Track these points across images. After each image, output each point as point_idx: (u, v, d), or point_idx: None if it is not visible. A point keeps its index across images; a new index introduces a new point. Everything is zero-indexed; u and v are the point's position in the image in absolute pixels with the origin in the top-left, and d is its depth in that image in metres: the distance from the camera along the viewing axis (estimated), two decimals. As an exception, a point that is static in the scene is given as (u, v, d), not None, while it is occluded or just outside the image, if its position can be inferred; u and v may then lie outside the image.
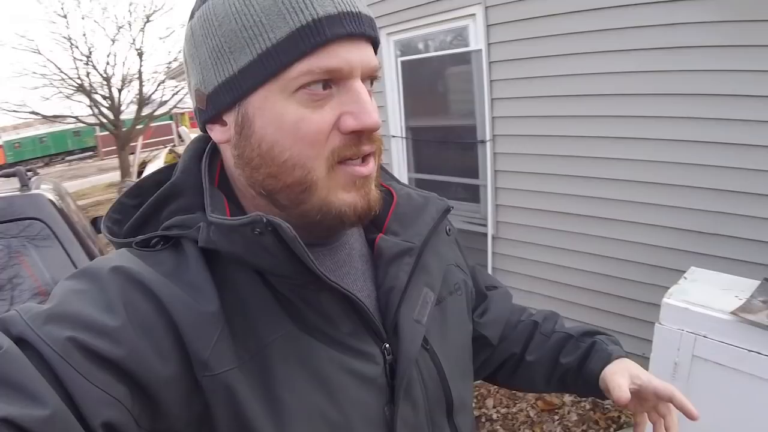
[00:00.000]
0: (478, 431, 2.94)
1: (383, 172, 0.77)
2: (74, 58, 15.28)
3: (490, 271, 3.80)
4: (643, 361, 1.66)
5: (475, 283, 0.91)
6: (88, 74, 15.34)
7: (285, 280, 0.57)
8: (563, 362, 0.88)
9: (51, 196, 2.09)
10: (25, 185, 2.08)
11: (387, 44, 4.18)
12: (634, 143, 2.85)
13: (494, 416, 2.99)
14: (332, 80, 0.55)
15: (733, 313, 1.68)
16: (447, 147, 4.03)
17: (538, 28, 3.11)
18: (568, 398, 2.99)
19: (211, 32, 0.56)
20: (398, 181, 0.80)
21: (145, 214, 0.62)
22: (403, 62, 4.02)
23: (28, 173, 2.26)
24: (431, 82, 3.99)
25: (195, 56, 0.58)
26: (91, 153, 26.88)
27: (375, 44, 0.60)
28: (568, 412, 2.89)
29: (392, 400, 0.63)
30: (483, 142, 3.61)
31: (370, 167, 0.59)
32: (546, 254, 3.45)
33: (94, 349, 0.46)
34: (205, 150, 0.65)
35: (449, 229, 0.79)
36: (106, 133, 16.92)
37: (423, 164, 4.24)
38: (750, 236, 2.53)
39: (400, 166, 4.39)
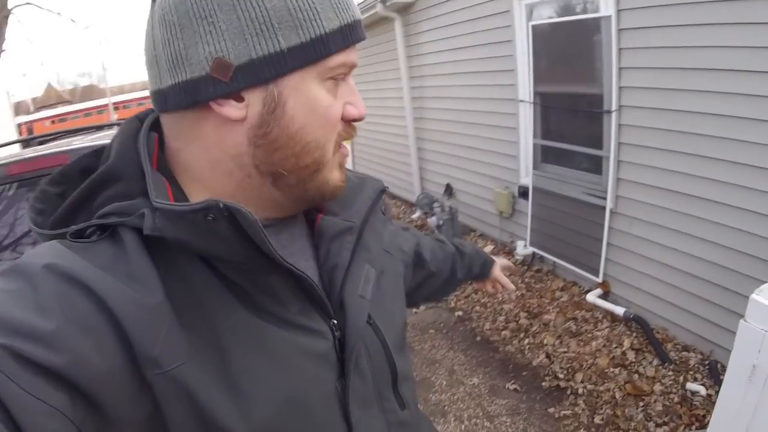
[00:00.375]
0: (417, 397, 2.98)
1: None
2: None
3: (604, 245, 3.68)
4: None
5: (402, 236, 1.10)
6: None
7: (234, 265, 0.56)
8: (459, 275, 1.22)
9: None
10: None
11: (519, 8, 4.08)
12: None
13: (580, 391, 2.99)
14: (345, 74, 0.61)
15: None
16: (573, 115, 3.90)
17: (673, -6, 2.85)
18: (658, 387, 2.88)
19: (255, 3, 0.53)
20: None
21: (75, 202, 0.58)
22: (534, 27, 3.91)
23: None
24: (560, 47, 3.84)
25: (216, 17, 0.52)
26: None
27: None
28: (655, 401, 2.79)
29: (343, 374, 0.65)
30: (609, 112, 3.44)
31: (348, 150, 0.66)
32: (663, 235, 3.25)
33: (30, 356, 0.43)
34: (139, 131, 0.62)
35: (384, 209, 0.82)
36: None
37: (548, 131, 4.14)
38: None
39: (527, 132, 4.35)
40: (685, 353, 3.09)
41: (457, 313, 4.20)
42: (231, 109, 0.55)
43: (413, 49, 5.90)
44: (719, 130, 2.79)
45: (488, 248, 5.09)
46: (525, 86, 4.22)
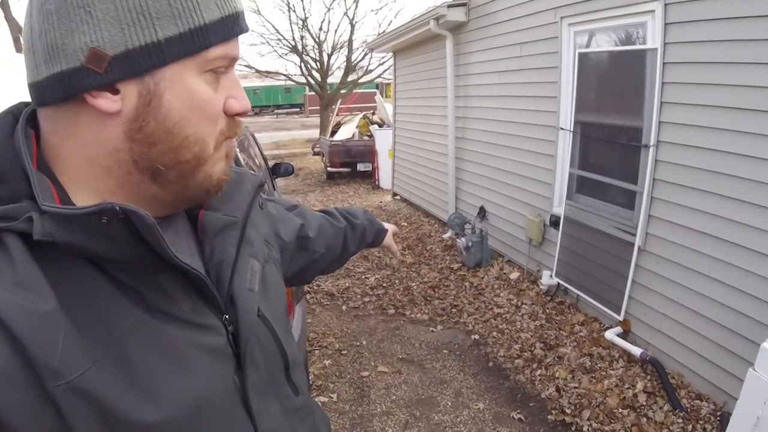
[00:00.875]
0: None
1: None
2: (291, 21, 17.40)
3: (629, 282, 3.54)
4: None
5: (284, 214, 1.06)
6: (302, 37, 17.44)
7: (122, 266, 0.55)
8: (352, 249, 1.23)
9: None
10: None
11: (568, 34, 4.03)
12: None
13: (585, 428, 2.86)
14: (227, 67, 0.60)
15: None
16: (611, 147, 3.79)
17: (720, 30, 2.75)
18: (668, 432, 2.74)
19: None
20: None
21: None
22: (580, 54, 3.84)
23: None
24: (605, 77, 3.76)
25: (93, 6, 0.50)
26: (298, 109, 30.22)
27: None
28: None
29: (240, 367, 0.66)
30: (646, 146, 3.33)
31: (234, 141, 0.65)
32: (689, 278, 3.10)
33: None
34: (15, 128, 0.57)
35: (262, 204, 0.83)
36: (313, 93, 18.78)
37: (585, 161, 4.04)
38: None
39: (564, 160, 4.26)
40: (698, 401, 2.92)
41: (473, 336, 4.11)
42: (105, 101, 0.53)
43: (461, 69, 5.90)
44: (757, 174, 2.66)
45: (515, 275, 4.99)
46: (567, 114, 4.14)
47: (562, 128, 4.23)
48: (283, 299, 0.84)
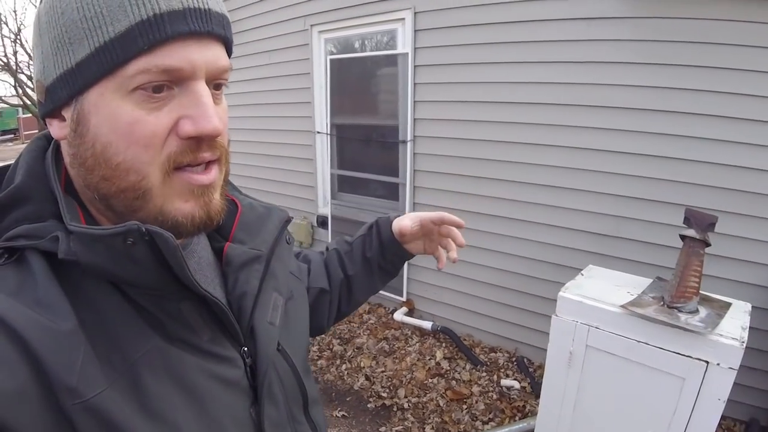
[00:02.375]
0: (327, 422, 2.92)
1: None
2: (1, 35, 14.24)
3: (405, 265, 3.81)
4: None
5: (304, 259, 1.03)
6: (15, 53, 14.44)
7: (145, 291, 0.53)
8: (369, 256, 1.01)
9: None
10: None
11: (318, 41, 4.09)
12: (545, 149, 2.94)
13: (405, 405, 2.97)
14: (173, 81, 0.50)
15: (623, 306, 1.75)
16: (370, 145, 4.00)
17: (461, 36, 3.14)
18: (476, 389, 3.03)
19: (54, 20, 0.50)
20: (240, 192, 0.78)
21: None
22: (331, 60, 3.94)
23: None
24: (359, 81, 3.94)
25: (38, 45, 0.53)
26: (12, 135, 24.84)
27: (227, 44, 0.56)
28: (476, 402, 2.92)
29: (256, 400, 0.63)
30: (404, 142, 3.61)
31: (211, 175, 0.55)
32: (459, 252, 3.49)
33: None
34: (48, 149, 0.57)
35: (288, 238, 0.79)
36: (29, 115, 15.87)
37: (346, 161, 4.18)
38: (644, 239, 2.68)
39: (324, 162, 4.32)
40: (493, 354, 3.32)
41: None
42: (55, 128, 0.54)
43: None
44: (494, 155, 3.13)
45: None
46: (322, 118, 4.20)
47: (318, 132, 4.29)
48: (305, 336, 0.82)
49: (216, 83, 0.55)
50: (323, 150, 4.31)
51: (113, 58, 0.48)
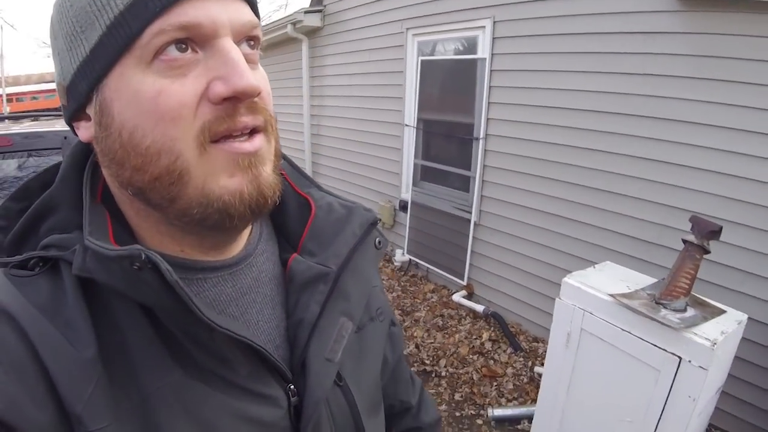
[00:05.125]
0: None
1: (301, 176, 0.66)
2: None
3: (468, 252, 3.99)
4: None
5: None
6: None
7: (173, 319, 0.47)
8: None
9: None
10: None
11: (412, 44, 4.37)
12: (604, 155, 2.97)
13: (443, 373, 3.20)
14: (195, 41, 0.43)
15: (611, 295, 1.85)
16: (448, 140, 4.21)
17: (534, 44, 3.25)
18: (510, 370, 3.18)
19: (64, 16, 0.46)
20: (319, 188, 0.66)
21: (24, 227, 0.50)
22: (422, 61, 4.20)
23: None
24: (443, 81, 4.16)
25: (55, 48, 0.48)
26: None
27: (250, 2, 0.49)
28: (507, 382, 3.08)
29: None
30: (477, 139, 3.78)
31: (255, 143, 0.46)
32: (517, 244, 3.61)
33: None
34: (90, 156, 0.52)
35: (379, 242, 0.64)
36: None
37: (428, 153, 4.43)
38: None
39: (409, 152, 4.61)
40: (534, 344, 3.44)
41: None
42: (82, 130, 0.49)
43: (316, 70, 6.00)
44: (560, 157, 3.20)
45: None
46: (411, 112, 4.49)
47: (406, 125, 4.58)
48: (377, 366, 0.68)
49: (247, 41, 0.48)
50: (410, 141, 4.59)
51: (127, 30, 0.42)
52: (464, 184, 4.06)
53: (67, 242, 0.47)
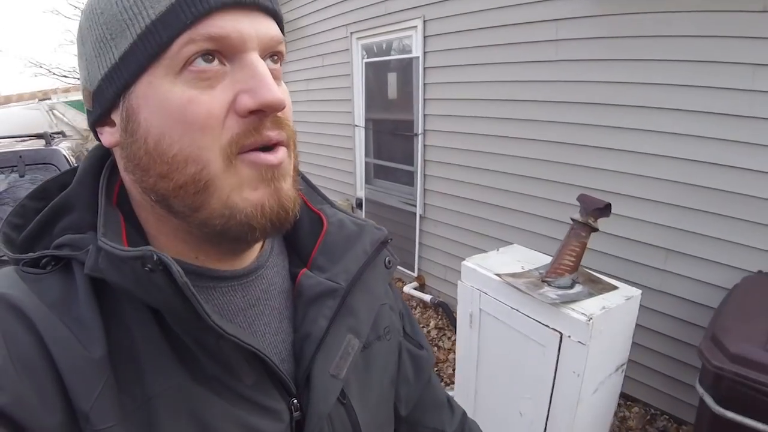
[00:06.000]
0: None
1: (314, 193, 0.65)
2: None
3: (416, 245, 4.03)
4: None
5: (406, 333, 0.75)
6: None
7: (181, 321, 0.46)
8: None
9: (65, 152, 2.83)
10: (48, 143, 2.88)
11: (356, 47, 4.41)
12: (528, 143, 3.01)
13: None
14: (223, 54, 0.44)
15: (498, 275, 1.89)
16: (393, 137, 4.25)
17: (459, 40, 3.30)
18: (452, 356, 3.22)
19: (94, 22, 0.46)
20: (332, 204, 0.66)
21: (39, 225, 0.50)
22: (366, 63, 4.24)
23: (53, 135, 3.11)
24: (384, 81, 4.19)
25: (82, 53, 0.48)
26: None
27: (277, 18, 0.49)
28: (447, 367, 3.13)
29: None
30: (417, 135, 3.82)
31: (279, 155, 0.46)
32: (459, 234, 3.65)
33: None
34: (108, 159, 0.52)
35: (389, 262, 0.62)
36: None
37: (377, 151, 4.47)
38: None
39: (360, 152, 4.64)
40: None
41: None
42: (105, 135, 0.49)
43: (275, 78, 6.03)
44: (492, 147, 3.25)
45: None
46: (360, 113, 4.53)
47: (356, 125, 4.62)
48: (388, 383, 0.66)
49: (272, 56, 0.48)
50: (360, 141, 4.63)
51: (157, 39, 0.42)
52: (409, 179, 4.09)
53: (81, 242, 0.47)
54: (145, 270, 0.41)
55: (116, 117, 0.46)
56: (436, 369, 3.12)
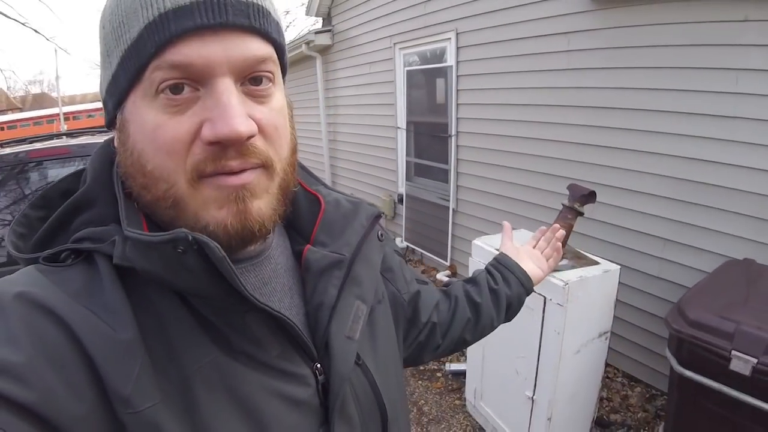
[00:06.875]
0: None
1: (309, 176, 0.68)
2: None
3: (449, 236, 4.34)
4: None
5: (404, 280, 0.81)
6: None
7: (207, 302, 0.48)
8: (496, 288, 0.94)
9: None
10: None
11: (399, 56, 4.79)
12: (548, 143, 3.27)
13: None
14: (192, 79, 0.44)
15: (497, 250, 2.20)
16: (430, 138, 4.58)
17: (487, 51, 3.60)
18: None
19: (100, 36, 0.48)
20: (326, 186, 0.69)
21: (53, 226, 0.51)
22: (408, 71, 4.61)
23: None
24: (423, 87, 4.55)
25: (100, 58, 0.49)
26: None
27: (265, 34, 0.47)
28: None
29: (327, 420, 0.54)
30: (451, 136, 4.14)
31: (243, 176, 0.46)
32: (488, 227, 3.93)
33: (1, 391, 0.36)
34: (114, 157, 0.53)
35: (381, 234, 0.67)
36: None
37: (418, 151, 4.82)
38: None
39: (402, 151, 5.01)
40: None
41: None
42: (114, 137, 0.51)
43: (330, 83, 6.51)
44: (519, 148, 3.52)
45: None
46: (402, 116, 4.90)
47: (398, 127, 4.99)
48: (393, 343, 0.71)
49: (253, 77, 0.47)
50: (402, 142, 5.00)
51: (133, 64, 0.43)
52: (444, 176, 4.41)
53: (103, 234, 0.47)
54: (177, 252, 0.42)
55: (116, 124, 0.49)
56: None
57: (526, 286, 0.97)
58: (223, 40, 0.44)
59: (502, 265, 0.98)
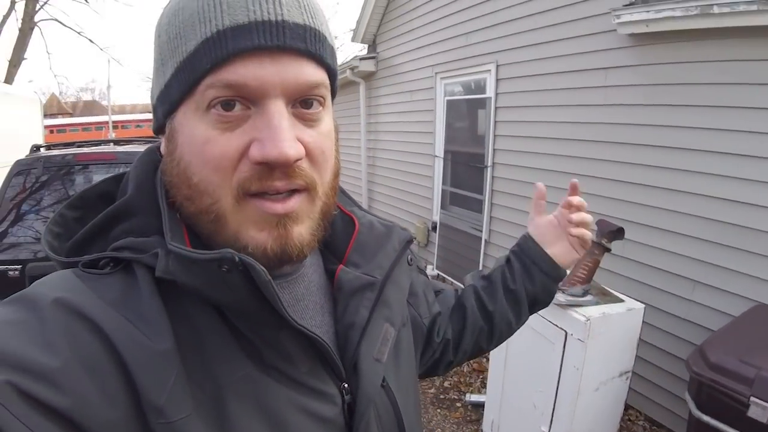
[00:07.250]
0: None
1: (345, 197, 0.68)
2: None
3: (480, 266, 4.30)
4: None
5: (427, 304, 0.79)
6: None
7: (244, 317, 0.48)
8: (513, 288, 0.86)
9: None
10: None
11: (440, 85, 4.88)
12: (581, 179, 3.18)
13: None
14: (245, 98, 0.44)
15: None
16: (466, 168, 4.60)
17: (526, 84, 3.63)
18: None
19: (155, 43, 0.49)
20: (360, 208, 0.69)
21: (92, 231, 0.50)
22: (448, 101, 4.68)
23: None
24: (462, 117, 4.61)
25: (153, 67, 0.50)
26: None
27: (319, 59, 0.47)
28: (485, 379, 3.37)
29: None
30: (486, 167, 4.16)
31: (288, 205, 0.47)
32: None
33: (35, 395, 0.36)
34: (159, 164, 0.52)
35: (411, 259, 0.67)
36: None
37: (453, 180, 4.85)
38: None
39: (438, 179, 5.05)
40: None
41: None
42: (162, 143, 0.51)
43: (372, 108, 6.67)
44: (553, 182, 3.47)
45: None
46: (440, 144, 4.95)
47: (436, 155, 5.04)
48: (413, 366, 0.71)
49: (304, 99, 0.47)
50: (438, 170, 5.04)
51: (187, 77, 0.44)
52: (479, 206, 4.41)
53: (145, 245, 0.47)
54: (221, 271, 0.43)
55: (165, 132, 0.50)
56: (481, 377, 3.37)
57: (552, 275, 0.87)
58: (279, 62, 0.44)
59: (524, 254, 0.89)
